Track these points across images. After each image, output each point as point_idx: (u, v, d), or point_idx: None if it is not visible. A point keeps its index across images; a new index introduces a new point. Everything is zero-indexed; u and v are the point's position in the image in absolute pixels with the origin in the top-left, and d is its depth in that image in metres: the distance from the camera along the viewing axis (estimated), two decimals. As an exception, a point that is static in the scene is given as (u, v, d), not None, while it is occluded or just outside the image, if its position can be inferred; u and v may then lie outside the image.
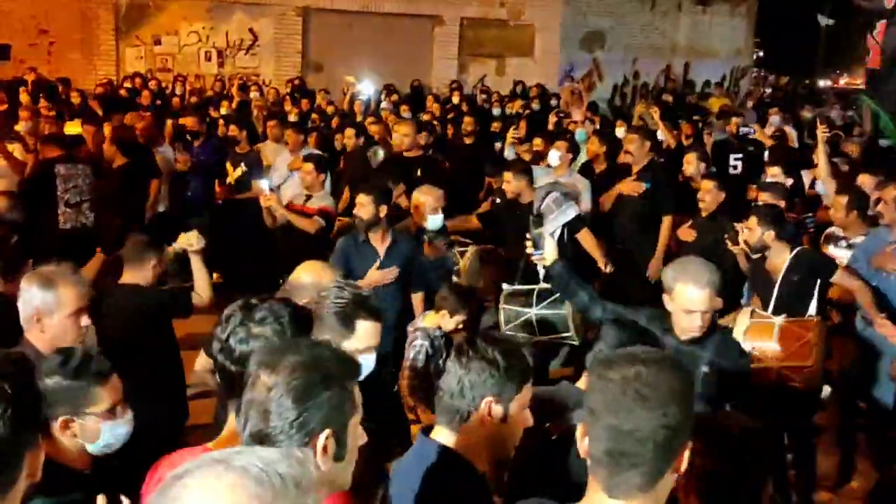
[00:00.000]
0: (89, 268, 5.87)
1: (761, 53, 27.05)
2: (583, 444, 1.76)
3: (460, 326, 4.59)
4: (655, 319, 3.74)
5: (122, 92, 13.85)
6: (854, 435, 5.46)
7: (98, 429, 2.55)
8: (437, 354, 4.57)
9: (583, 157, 8.14)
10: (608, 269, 6.02)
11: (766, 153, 8.55)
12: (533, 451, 2.72)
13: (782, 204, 5.75)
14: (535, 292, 5.37)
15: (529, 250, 4.18)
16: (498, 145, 9.62)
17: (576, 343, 5.39)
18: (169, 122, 10.18)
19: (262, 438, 1.71)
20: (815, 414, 5.11)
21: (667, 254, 6.67)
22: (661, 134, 9.23)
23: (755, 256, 5.02)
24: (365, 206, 5.29)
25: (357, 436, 1.83)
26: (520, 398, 2.30)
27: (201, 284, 4.58)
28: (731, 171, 8.80)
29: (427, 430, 2.39)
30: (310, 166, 6.72)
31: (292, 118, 10.93)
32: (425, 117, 11.30)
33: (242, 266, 7.99)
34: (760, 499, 2.27)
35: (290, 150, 8.35)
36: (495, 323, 5.59)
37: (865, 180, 6.23)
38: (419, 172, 7.19)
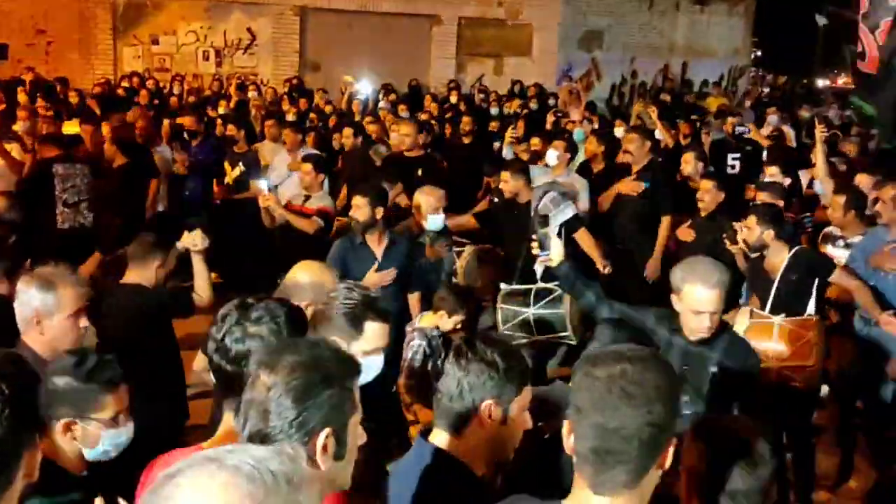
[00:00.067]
0: (86, 267, 5.88)
1: (759, 53, 27.07)
2: (568, 441, 1.78)
3: (458, 327, 4.59)
4: (664, 319, 3.73)
5: (120, 91, 13.83)
6: (853, 435, 5.47)
7: (98, 435, 2.55)
8: (435, 355, 4.57)
9: (581, 157, 8.15)
10: (606, 270, 6.02)
11: (765, 153, 8.56)
12: (526, 451, 2.72)
13: (781, 203, 5.76)
14: (533, 292, 5.37)
15: (535, 251, 4.14)
16: (496, 145, 9.63)
17: (573, 342, 5.39)
18: (166, 121, 10.18)
19: (261, 438, 1.71)
20: (814, 413, 5.11)
21: (666, 254, 6.68)
22: (659, 133, 9.23)
23: (753, 256, 5.03)
24: (361, 208, 5.27)
25: (357, 435, 1.82)
26: (519, 400, 2.27)
27: (202, 284, 4.56)
28: (729, 170, 8.81)
29: (426, 433, 2.37)
30: (309, 166, 6.70)
31: (290, 118, 10.92)
32: (423, 117, 11.31)
33: (241, 266, 7.98)
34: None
35: (287, 150, 8.35)
36: (494, 323, 5.59)
37: (863, 180, 6.23)
38: (420, 172, 7.19)
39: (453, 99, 14.39)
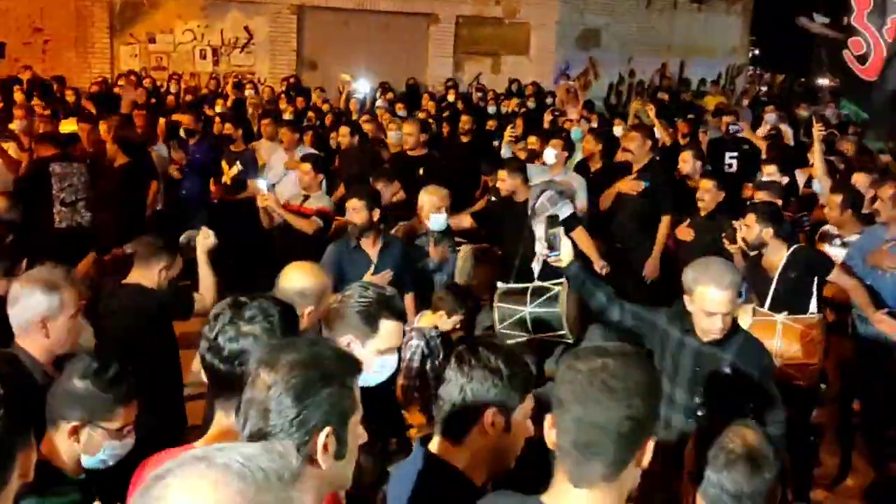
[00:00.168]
0: (81, 267, 5.87)
1: (757, 52, 27.05)
2: (550, 435, 1.81)
3: (458, 326, 4.59)
4: (676, 319, 3.72)
5: (117, 90, 13.81)
6: (851, 434, 5.47)
7: (101, 444, 2.56)
8: (433, 355, 4.56)
9: (578, 156, 8.14)
10: (604, 270, 6.03)
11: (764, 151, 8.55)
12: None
13: (779, 202, 5.76)
14: (530, 290, 5.37)
15: (544, 251, 4.11)
16: (496, 143, 9.62)
17: (570, 341, 5.39)
18: (162, 120, 10.16)
19: (262, 437, 1.70)
20: (813, 412, 5.12)
21: (665, 253, 6.68)
22: (657, 132, 9.23)
23: (752, 254, 5.03)
24: (359, 212, 5.22)
25: (358, 434, 1.82)
26: (523, 408, 2.22)
27: (207, 284, 4.51)
28: (727, 169, 8.80)
29: (425, 439, 2.33)
30: (307, 166, 6.65)
31: (287, 116, 10.90)
32: (421, 115, 11.29)
33: (239, 266, 7.95)
34: None
35: (285, 149, 8.34)
36: (492, 322, 5.58)
37: (860, 179, 6.24)
38: (422, 171, 7.18)
39: (451, 98, 14.38)
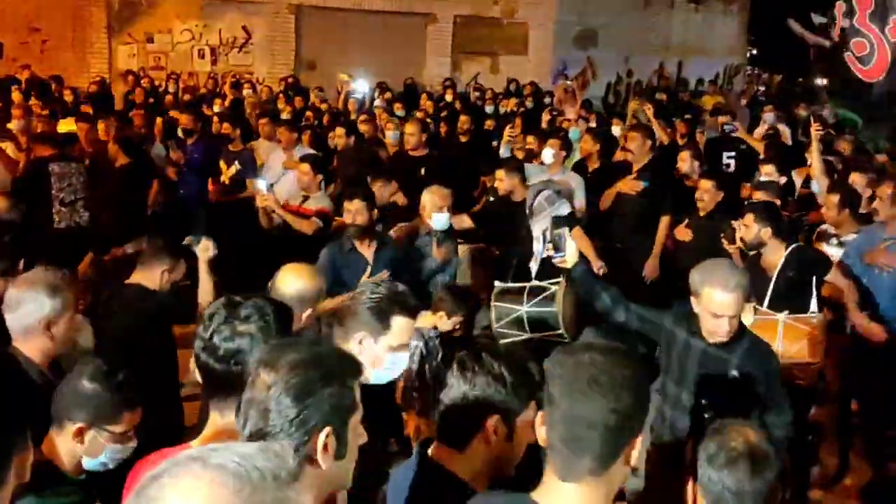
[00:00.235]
0: (81, 267, 5.86)
1: (755, 51, 27.05)
2: (541, 432, 1.82)
3: (457, 327, 4.58)
4: (683, 321, 3.70)
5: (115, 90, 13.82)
6: (850, 433, 5.47)
7: (103, 447, 2.57)
8: (432, 356, 4.55)
9: (576, 156, 8.14)
10: (601, 270, 6.02)
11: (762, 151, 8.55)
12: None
13: (778, 202, 5.76)
14: (527, 290, 5.37)
15: (549, 252, 4.07)
16: (494, 143, 9.61)
17: (567, 340, 5.39)
18: (159, 119, 10.15)
19: (262, 437, 1.70)
20: (811, 411, 5.12)
21: (663, 253, 6.67)
22: (655, 131, 9.22)
23: (751, 253, 5.03)
24: (361, 213, 5.19)
25: (358, 434, 1.82)
26: (526, 415, 2.16)
27: (206, 290, 4.50)
28: (724, 169, 8.80)
29: (425, 444, 2.31)
30: (307, 167, 6.60)
31: (285, 116, 10.89)
32: (419, 115, 11.28)
33: (238, 266, 7.93)
34: None
35: (283, 149, 8.33)
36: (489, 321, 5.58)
37: (857, 178, 6.24)
38: (423, 171, 7.18)
39: (449, 97, 14.37)
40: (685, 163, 7.14)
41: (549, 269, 5.49)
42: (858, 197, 5.72)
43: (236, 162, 8.59)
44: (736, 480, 2.16)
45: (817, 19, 10.29)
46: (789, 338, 4.35)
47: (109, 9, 16.20)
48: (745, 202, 5.93)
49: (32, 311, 3.02)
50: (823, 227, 5.90)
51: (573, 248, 3.96)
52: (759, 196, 5.97)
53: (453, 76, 17.35)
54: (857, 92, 8.92)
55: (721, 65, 21.14)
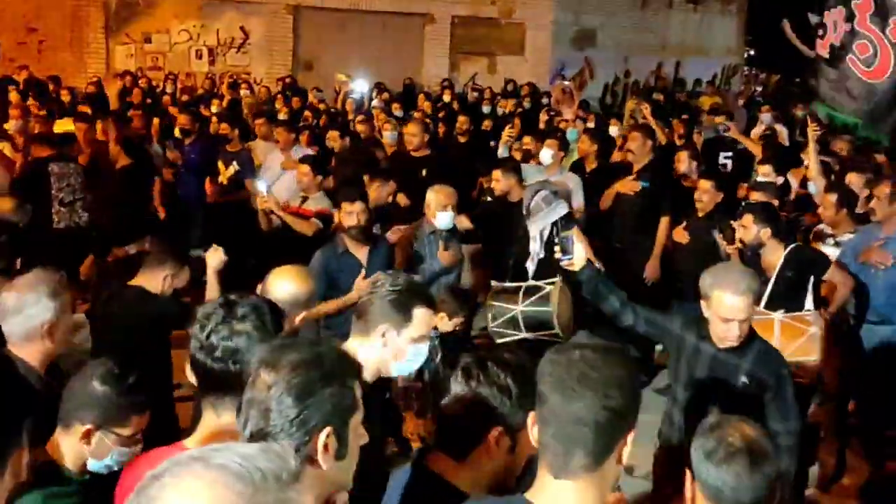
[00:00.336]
0: (81, 270, 5.84)
1: (752, 52, 27.06)
2: (533, 432, 1.83)
3: (458, 328, 4.58)
4: (692, 325, 3.67)
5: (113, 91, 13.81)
6: (848, 433, 5.48)
7: (109, 449, 2.56)
8: (431, 356, 4.55)
9: (574, 156, 8.15)
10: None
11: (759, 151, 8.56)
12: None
13: (776, 203, 5.77)
14: (523, 289, 5.37)
15: (557, 255, 4.03)
16: (492, 144, 9.61)
17: (562, 341, 5.39)
18: (156, 120, 10.15)
19: (263, 437, 1.70)
20: (809, 410, 5.12)
21: (663, 253, 6.67)
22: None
23: (749, 254, 5.03)
24: (361, 214, 5.17)
25: (358, 435, 1.82)
26: (529, 427, 2.01)
27: (213, 296, 4.48)
28: (721, 169, 8.81)
29: (424, 451, 2.29)
30: (306, 168, 6.58)
31: (282, 116, 10.89)
32: (417, 115, 11.28)
33: (237, 267, 7.90)
34: None
35: (281, 149, 8.33)
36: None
37: (853, 179, 6.25)
38: (424, 172, 7.17)
39: (447, 98, 14.37)
40: (683, 163, 7.15)
41: (546, 269, 5.50)
42: (855, 197, 5.74)
43: (234, 162, 8.58)
44: (735, 475, 2.16)
45: (814, 19, 10.27)
46: (786, 336, 4.36)
47: (107, 9, 16.20)
48: (742, 203, 5.94)
49: (35, 316, 3.00)
50: (820, 227, 5.92)
51: (581, 250, 3.91)
52: (757, 197, 5.98)
53: (451, 76, 17.36)
54: (854, 94, 8.87)
55: (719, 65, 21.16)
